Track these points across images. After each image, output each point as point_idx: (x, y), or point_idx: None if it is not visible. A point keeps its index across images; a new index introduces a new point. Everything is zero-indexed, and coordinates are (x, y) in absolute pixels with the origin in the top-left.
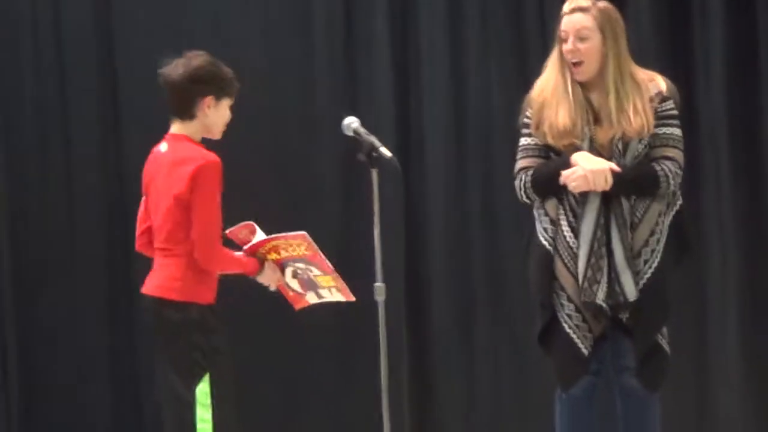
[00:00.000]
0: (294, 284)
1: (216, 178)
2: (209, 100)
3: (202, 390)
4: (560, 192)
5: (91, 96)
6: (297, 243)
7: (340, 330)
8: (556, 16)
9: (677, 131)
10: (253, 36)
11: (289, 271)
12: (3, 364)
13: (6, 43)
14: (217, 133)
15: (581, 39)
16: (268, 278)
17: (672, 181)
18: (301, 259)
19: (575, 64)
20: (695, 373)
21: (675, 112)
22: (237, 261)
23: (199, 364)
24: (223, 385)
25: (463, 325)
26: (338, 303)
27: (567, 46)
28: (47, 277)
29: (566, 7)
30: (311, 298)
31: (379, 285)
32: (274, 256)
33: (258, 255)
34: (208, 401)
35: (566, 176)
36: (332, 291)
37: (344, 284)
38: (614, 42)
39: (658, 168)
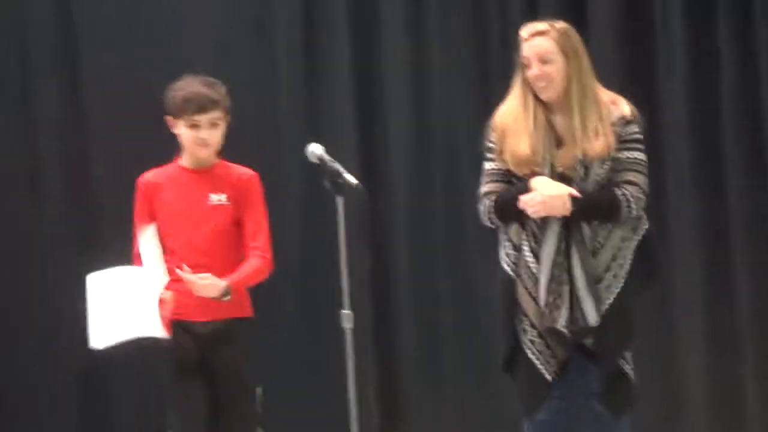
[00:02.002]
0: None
1: (136, 196)
2: (168, 120)
3: None
4: (522, 217)
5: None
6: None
7: (306, 356)
8: (518, 37)
9: (640, 155)
10: (214, 61)
11: None
12: None
13: None
14: (193, 152)
15: (544, 62)
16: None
17: (633, 206)
18: None
19: (543, 83)
20: (662, 396)
21: (638, 136)
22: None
23: None
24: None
25: (431, 350)
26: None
27: (532, 71)
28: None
29: (525, 33)
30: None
31: (346, 312)
32: None
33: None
34: None
35: (525, 202)
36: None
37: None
38: (577, 62)
39: (619, 193)
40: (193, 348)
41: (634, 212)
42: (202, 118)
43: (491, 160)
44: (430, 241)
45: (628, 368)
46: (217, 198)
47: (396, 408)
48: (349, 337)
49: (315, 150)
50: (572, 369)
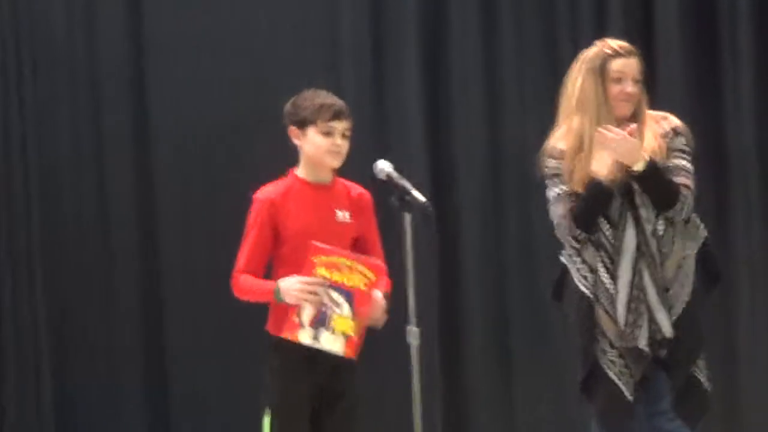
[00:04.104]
0: (307, 314)
1: (254, 212)
2: (293, 131)
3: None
4: (601, 215)
5: (123, 113)
6: (365, 272)
7: (371, 374)
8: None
9: (688, 164)
10: (282, 75)
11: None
12: (37, 368)
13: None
14: (323, 161)
15: (635, 82)
16: (288, 294)
17: (684, 206)
18: (346, 293)
19: (630, 101)
20: (726, 413)
21: (686, 147)
22: (254, 289)
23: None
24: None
25: (499, 369)
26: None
27: (626, 88)
28: (79, 280)
29: (620, 50)
30: (304, 337)
31: (412, 328)
32: (324, 272)
33: (315, 259)
34: None
35: (605, 134)
36: (336, 339)
37: (358, 340)
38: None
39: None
40: (310, 373)
41: (684, 213)
42: (338, 126)
43: (558, 184)
44: (500, 258)
45: (703, 377)
46: (342, 215)
47: (463, 427)
48: (415, 353)
49: (383, 167)
50: (644, 387)
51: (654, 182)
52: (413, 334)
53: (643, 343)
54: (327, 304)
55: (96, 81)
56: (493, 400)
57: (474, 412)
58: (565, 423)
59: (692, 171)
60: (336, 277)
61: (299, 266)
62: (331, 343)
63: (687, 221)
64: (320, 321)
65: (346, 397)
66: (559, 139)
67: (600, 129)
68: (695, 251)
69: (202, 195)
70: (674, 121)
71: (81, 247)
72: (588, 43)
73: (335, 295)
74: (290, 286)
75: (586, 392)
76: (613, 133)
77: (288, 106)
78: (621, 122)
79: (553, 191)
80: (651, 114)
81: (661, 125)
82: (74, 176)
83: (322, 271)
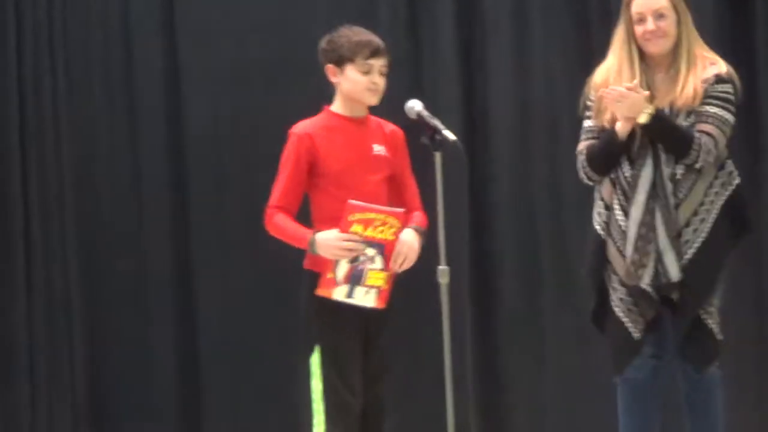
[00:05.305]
0: (342, 270)
1: (289, 147)
2: (330, 69)
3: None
4: (615, 163)
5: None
6: (392, 222)
7: (402, 314)
8: None
9: (724, 114)
10: (315, 19)
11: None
12: (70, 345)
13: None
14: (361, 98)
15: (659, 17)
16: (324, 249)
17: (701, 155)
18: (378, 245)
19: (657, 38)
20: (756, 360)
21: (728, 96)
22: (288, 232)
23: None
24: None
25: (530, 308)
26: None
27: (647, 26)
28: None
29: None
30: (338, 294)
31: (442, 268)
32: (358, 229)
33: (350, 218)
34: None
35: (606, 92)
36: (369, 293)
37: (388, 289)
38: (685, 20)
39: (695, 135)
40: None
41: (700, 161)
42: (376, 63)
43: (589, 118)
44: (530, 198)
45: (712, 322)
46: (379, 148)
47: (493, 364)
48: (444, 293)
49: (414, 106)
50: (662, 327)
51: (660, 133)
52: (443, 273)
53: (646, 281)
54: (362, 261)
55: (128, 28)
56: (523, 339)
57: (504, 350)
58: (596, 359)
59: (725, 119)
60: (369, 232)
61: (338, 199)
62: (364, 298)
63: (721, 167)
64: (355, 277)
65: (385, 336)
66: (600, 73)
67: (601, 91)
68: (724, 198)
69: (232, 139)
70: (722, 67)
71: (113, 202)
72: None
73: (369, 250)
74: (328, 241)
75: (596, 324)
76: (613, 92)
77: (324, 44)
78: (657, 59)
79: (584, 123)
80: (704, 55)
81: (707, 70)
82: (107, 125)
83: (357, 228)
